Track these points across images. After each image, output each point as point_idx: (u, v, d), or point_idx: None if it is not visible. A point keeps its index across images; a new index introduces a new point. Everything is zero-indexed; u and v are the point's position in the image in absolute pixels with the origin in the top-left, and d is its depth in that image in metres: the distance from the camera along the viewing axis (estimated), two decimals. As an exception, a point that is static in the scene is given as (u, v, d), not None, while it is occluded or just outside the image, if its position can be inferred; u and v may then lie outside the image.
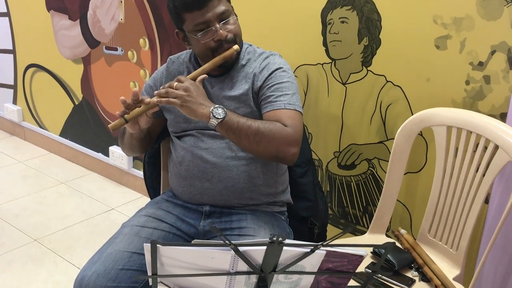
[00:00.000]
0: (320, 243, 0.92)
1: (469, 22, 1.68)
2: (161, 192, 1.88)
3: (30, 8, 3.33)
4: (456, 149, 1.66)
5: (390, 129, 1.94)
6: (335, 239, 0.92)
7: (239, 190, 1.59)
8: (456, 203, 1.68)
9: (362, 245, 0.92)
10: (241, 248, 0.90)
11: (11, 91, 3.74)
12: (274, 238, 0.89)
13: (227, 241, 0.88)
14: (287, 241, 0.90)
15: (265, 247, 0.91)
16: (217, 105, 1.45)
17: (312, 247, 0.92)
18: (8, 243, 2.50)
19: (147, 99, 1.49)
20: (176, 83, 1.48)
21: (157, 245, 0.89)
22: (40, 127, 3.61)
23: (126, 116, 1.49)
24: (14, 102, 3.75)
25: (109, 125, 1.50)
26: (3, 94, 3.81)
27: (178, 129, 1.67)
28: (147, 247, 0.92)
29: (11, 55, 3.62)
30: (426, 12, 1.75)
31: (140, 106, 1.50)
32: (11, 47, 3.60)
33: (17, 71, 3.63)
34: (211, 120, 1.43)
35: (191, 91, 1.46)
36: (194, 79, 1.52)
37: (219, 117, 1.43)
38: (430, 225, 1.77)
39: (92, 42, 3.02)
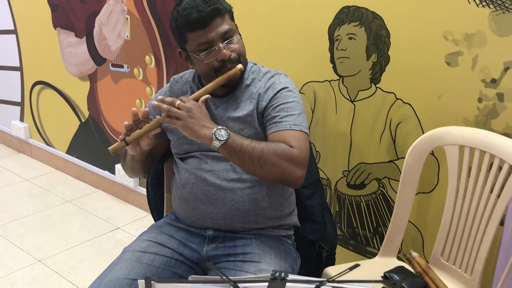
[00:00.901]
0: (326, 279, 0.86)
1: (481, 38, 1.62)
2: (164, 214, 1.84)
3: (37, 25, 3.33)
4: (469, 169, 1.60)
5: (400, 148, 1.88)
6: (341, 275, 0.87)
7: (244, 213, 1.54)
8: (470, 225, 1.62)
9: (371, 281, 0.87)
10: (241, 285, 0.85)
11: (18, 108, 3.73)
12: (277, 274, 0.84)
13: (225, 277, 0.83)
14: (290, 276, 0.85)
15: (266, 284, 0.85)
16: (220, 127, 1.40)
17: (317, 283, 0.86)
18: (11, 264, 2.46)
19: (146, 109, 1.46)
20: (179, 101, 1.43)
21: (152, 281, 0.84)
22: (47, 144, 3.59)
23: (126, 138, 1.45)
24: (21, 119, 3.74)
25: (109, 148, 1.46)
26: (10, 111, 3.80)
27: (181, 151, 1.63)
28: (141, 283, 0.87)
29: (18, 72, 3.61)
30: (436, 28, 1.70)
31: (141, 128, 1.46)
32: (18, 64, 3.59)
33: (24, 88, 3.62)
34: (213, 142, 1.39)
35: (193, 112, 1.42)
36: (196, 99, 1.48)
37: (221, 139, 1.39)
38: (443, 248, 1.70)
39: (98, 59, 3.00)
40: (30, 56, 3.51)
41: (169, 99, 1.44)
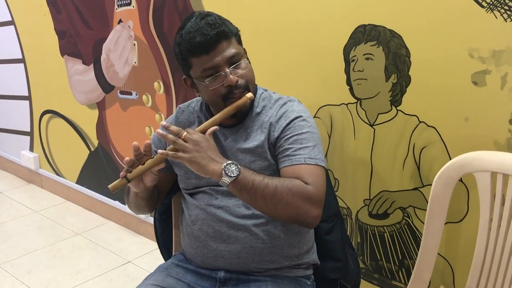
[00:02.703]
0: None
1: (510, 55, 1.49)
2: (173, 252, 1.72)
3: (44, 53, 3.27)
4: (503, 197, 1.46)
5: (425, 175, 1.75)
6: None
7: (258, 252, 1.41)
8: (506, 258, 1.48)
9: None
10: None
11: (28, 138, 3.66)
12: None
13: None
14: None
15: None
16: (229, 161, 1.29)
17: None
18: (17, 304, 2.36)
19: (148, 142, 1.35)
20: (185, 133, 1.32)
21: None
22: (57, 174, 3.51)
23: (128, 175, 1.34)
24: (31, 149, 3.67)
25: (108, 186, 1.35)
26: (20, 141, 3.73)
27: (189, 186, 1.51)
28: None
29: (27, 102, 3.55)
30: (460, 45, 1.57)
31: (144, 163, 1.35)
32: (27, 94, 3.53)
33: (33, 118, 3.55)
34: (223, 178, 1.27)
35: (201, 145, 1.30)
36: (204, 131, 1.37)
37: (232, 175, 1.27)
38: (477, 284, 1.55)
39: (106, 86, 2.91)
40: (39, 85, 3.45)
41: (174, 128, 1.33)
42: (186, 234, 1.53)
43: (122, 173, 1.35)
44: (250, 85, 1.42)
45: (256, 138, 1.43)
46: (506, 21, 1.48)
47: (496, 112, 1.55)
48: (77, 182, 3.35)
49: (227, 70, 1.37)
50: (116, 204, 3.08)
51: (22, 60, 3.47)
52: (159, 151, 1.32)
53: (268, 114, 1.46)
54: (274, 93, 1.53)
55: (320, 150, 1.39)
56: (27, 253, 2.78)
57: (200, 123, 1.50)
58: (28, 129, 3.63)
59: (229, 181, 1.27)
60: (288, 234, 1.45)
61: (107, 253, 2.79)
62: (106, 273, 2.60)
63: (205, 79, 1.39)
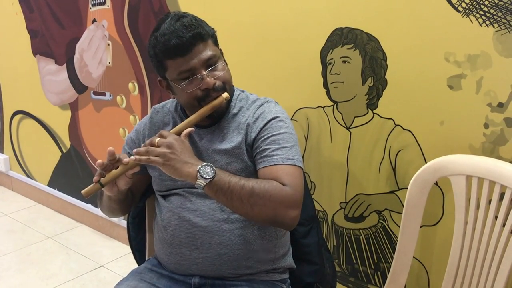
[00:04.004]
0: None
1: (486, 59, 1.50)
2: (147, 256, 1.68)
3: (16, 52, 3.20)
4: (478, 201, 1.47)
5: (401, 178, 1.75)
6: None
7: (233, 257, 1.39)
8: (481, 262, 1.49)
9: None
10: None
11: (-2, 139, 3.58)
12: None
13: None
14: None
15: None
16: (205, 163, 1.27)
17: None
18: (-15, 310, 2.29)
19: (125, 159, 1.30)
20: (158, 139, 1.30)
21: None
22: (28, 176, 3.43)
23: (101, 180, 1.31)
24: (1, 150, 3.59)
25: (82, 191, 1.31)
26: (-11, 142, 3.65)
27: (163, 188, 1.48)
28: None
29: (-2, 102, 3.47)
30: (436, 49, 1.58)
31: (118, 167, 1.32)
32: (-3, 94, 3.46)
33: (3, 118, 3.47)
34: (198, 180, 1.25)
35: (175, 148, 1.28)
36: (179, 133, 1.34)
37: (207, 177, 1.25)
38: (451, 287, 1.56)
39: (79, 87, 2.86)
40: (10, 85, 3.37)
41: (142, 148, 1.30)
42: (158, 239, 1.50)
43: (95, 178, 1.31)
44: (227, 86, 1.41)
45: (233, 139, 1.41)
46: (481, 26, 1.49)
47: (471, 116, 1.56)
48: (49, 185, 3.28)
49: (204, 73, 1.35)
50: (89, 207, 3.03)
51: (-8, 60, 3.39)
52: (132, 157, 1.29)
53: (245, 115, 1.44)
54: (251, 94, 1.51)
55: (297, 151, 1.38)
56: (-5, 258, 2.72)
57: (175, 124, 1.47)
58: (-2, 130, 3.55)
59: (205, 183, 1.25)
60: (264, 239, 1.43)
61: (79, 257, 2.73)
62: (78, 277, 2.54)
63: (181, 82, 1.36)
